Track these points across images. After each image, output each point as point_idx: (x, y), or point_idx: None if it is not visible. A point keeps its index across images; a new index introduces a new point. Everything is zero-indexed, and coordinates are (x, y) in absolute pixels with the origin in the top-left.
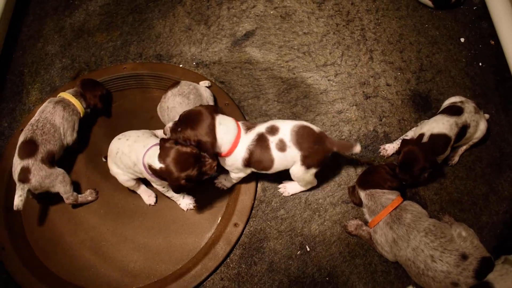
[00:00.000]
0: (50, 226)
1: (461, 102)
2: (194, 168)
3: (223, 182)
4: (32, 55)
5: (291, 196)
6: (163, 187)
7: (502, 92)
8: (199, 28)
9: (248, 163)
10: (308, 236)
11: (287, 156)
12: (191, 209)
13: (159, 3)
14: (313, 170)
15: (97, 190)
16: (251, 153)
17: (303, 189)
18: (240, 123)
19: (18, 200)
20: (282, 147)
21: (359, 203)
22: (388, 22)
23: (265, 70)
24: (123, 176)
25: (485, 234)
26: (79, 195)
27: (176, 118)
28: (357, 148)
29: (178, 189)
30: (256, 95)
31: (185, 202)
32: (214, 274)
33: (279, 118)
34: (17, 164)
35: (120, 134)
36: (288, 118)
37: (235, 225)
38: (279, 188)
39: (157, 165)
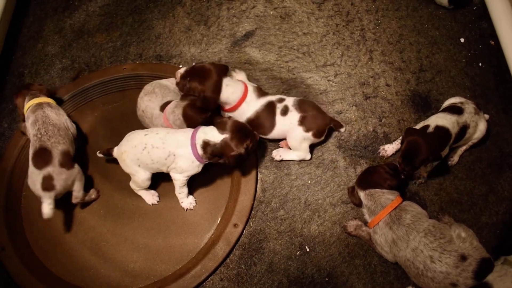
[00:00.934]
0: (50, 226)
1: (461, 102)
2: (250, 139)
3: None
4: (32, 56)
5: (291, 197)
6: (187, 179)
7: (502, 93)
8: (199, 28)
9: (250, 123)
10: (308, 236)
11: (287, 119)
12: (190, 209)
13: (158, 3)
14: (310, 137)
15: (98, 189)
16: (257, 116)
17: (295, 158)
18: (250, 87)
19: (48, 209)
20: (285, 111)
21: (358, 204)
22: (387, 23)
23: (265, 70)
24: (144, 174)
25: (485, 234)
26: (85, 193)
27: (155, 116)
28: (343, 129)
29: (237, 162)
30: None
31: (188, 201)
32: (214, 275)
33: None
34: (37, 174)
35: (143, 130)
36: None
37: (235, 225)
38: (272, 153)
39: (218, 138)
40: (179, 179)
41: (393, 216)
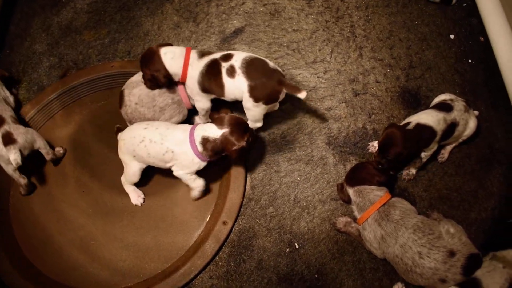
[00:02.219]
0: (39, 226)
1: (451, 100)
2: (250, 132)
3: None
4: (20, 54)
5: (280, 194)
6: (191, 174)
7: (492, 89)
8: (188, 25)
9: (202, 87)
10: (297, 233)
11: (236, 84)
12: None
13: (147, 0)
14: (261, 106)
15: (65, 148)
16: (203, 78)
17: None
18: (193, 50)
19: (15, 156)
20: (231, 73)
21: (348, 200)
22: (377, 19)
23: None
24: (135, 167)
25: (474, 230)
26: (52, 151)
27: (157, 95)
28: (303, 95)
29: (239, 154)
30: None
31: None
32: (203, 273)
33: (268, 116)
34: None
35: (143, 123)
36: (277, 116)
37: (224, 223)
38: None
39: (217, 133)
40: (183, 177)
41: (382, 212)
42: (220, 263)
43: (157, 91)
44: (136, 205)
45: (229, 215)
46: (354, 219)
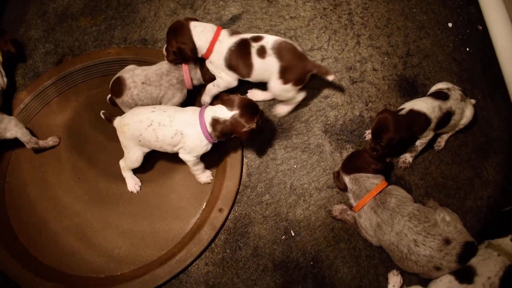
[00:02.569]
0: (34, 212)
1: (448, 88)
2: (259, 114)
3: (203, 98)
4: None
5: (276, 181)
6: (197, 158)
7: (489, 78)
8: (185, 12)
9: (229, 63)
10: (293, 221)
11: (266, 64)
12: (208, 183)
13: None
14: (290, 87)
15: (60, 137)
16: (231, 54)
17: (290, 107)
18: (228, 29)
19: None
20: (262, 53)
21: (344, 188)
22: (375, 7)
23: None
24: (138, 152)
25: (469, 218)
26: (40, 140)
27: (165, 74)
28: (331, 77)
29: (250, 137)
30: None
31: (205, 176)
32: (199, 259)
33: (265, 103)
34: None
35: (148, 107)
36: (274, 104)
37: (220, 210)
38: (274, 110)
39: (227, 115)
40: (189, 159)
41: (378, 200)
42: (216, 250)
43: (165, 69)
44: (132, 192)
45: (225, 202)
46: (350, 207)
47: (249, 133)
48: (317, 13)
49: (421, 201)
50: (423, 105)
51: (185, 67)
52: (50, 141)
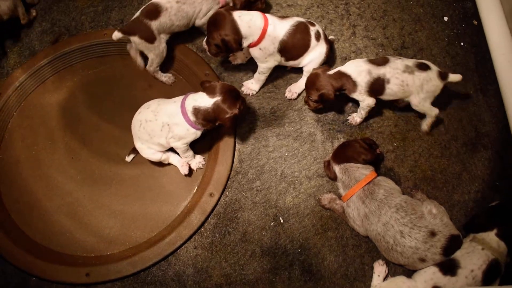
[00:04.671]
0: (27, 190)
1: (399, 58)
2: (241, 99)
3: (250, 87)
4: (11, 19)
5: (267, 168)
6: (186, 144)
7: (482, 73)
8: None
9: (284, 46)
10: (282, 208)
11: (318, 47)
12: (200, 168)
13: None
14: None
15: (37, 10)
16: (290, 36)
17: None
18: (272, 15)
19: None
20: (318, 37)
21: (334, 178)
22: None
23: None
24: (147, 150)
25: (456, 212)
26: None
27: (191, 1)
28: None
29: (232, 123)
30: (236, 67)
31: (196, 161)
32: (188, 243)
33: (258, 94)
34: None
35: (138, 110)
36: (268, 91)
37: (211, 195)
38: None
39: (208, 102)
40: (179, 146)
41: (366, 190)
42: (205, 234)
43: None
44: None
45: (216, 187)
46: (339, 196)
47: (232, 119)
48: (314, 2)
49: (409, 193)
50: (351, 67)
51: None
52: (33, 12)
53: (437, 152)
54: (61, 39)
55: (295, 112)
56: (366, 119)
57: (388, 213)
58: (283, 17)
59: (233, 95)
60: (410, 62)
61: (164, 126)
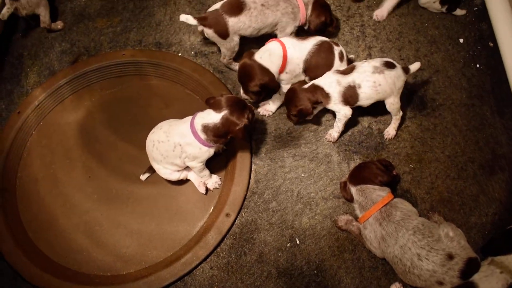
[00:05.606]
0: (44, 208)
1: (366, 61)
2: (248, 109)
3: (267, 108)
4: (32, 38)
5: (284, 189)
6: (202, 163)
7: (498, 95)
8: None
9: (308, 65)
10: (299, 229)
11: (341, 68)
12: (216, 188)
13: None
14: None
15: (64, 23)
16: (314, 54)
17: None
18: (290, 38)
19: (5, 11)
20: (341, 57)
21: (350, 199)
22: (388, 20)
23: None
24: (163, 170)
25: (473, 234)
26: (52, 23)
27: (274, 9)
28: None
29: (246, 134)
30: None
31: (212, 181)
32: (204, 263)
33: (274, 115)
34: None
35: (152, 130)
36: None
37: (227, 215)
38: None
39: (216, 118)
40: (195, 165)
41: (384, 212)
42: (221, 254)
43: None
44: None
45: (232, 207)
46: (356, 218)
47: (243, 131)
48: None
49: (426, 215)
50: (322, 80)
51: (300, 0)
52: (58, 24)
53: (454, 174)
54: (80, 59)
55: (311, 133)
56: (382, 141)
57: (405, 235)
58: (305, 37)
59: (239, 106)
60: (377, 62)
61: (176, 146)
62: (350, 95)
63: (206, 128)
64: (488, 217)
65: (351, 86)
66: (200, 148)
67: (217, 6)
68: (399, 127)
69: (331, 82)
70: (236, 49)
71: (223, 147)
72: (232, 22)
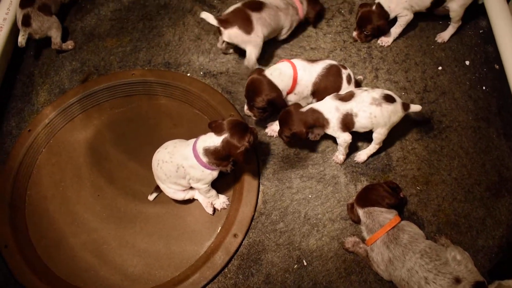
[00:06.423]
0: (53, 226)
1: (365, 90)
2: (250, 133)
3: (274, 128)
4: (43, 57)
5: (291, 210)
6: (207, 185)
7: (504, 117)
8: (208, 38)
9: (317, 87)
10: (306, 250)
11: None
12: (224, 208)
13: (169, 11)
14: None
15: (75, 42)
16: (322, 78)
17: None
18: (300, 60)
19: (21, 38)
20: (349, 80)
21: (357, 221)
22: (394, 42)
23: None
24: (168, 189)
25: (480, 258)
26: (63, 43)
27: (286, 12)
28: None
29: (246, 157)
30: None
31: (220, 201)
32: (212, 283)
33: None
34: (19, 12)
35: (158, 149)
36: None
37: (235, 235)
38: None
39: (216, 141)
40: (200, 187)
41: (391, 235)
42: (228, 275)
43: (281, 2)
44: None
45: (240, 228)
46: (363, 240)
47: (244, 154)
48: (337, 45)
49: (433, 238)
50: (321, 105)
51: (297, 0)
52: (69, 45)
53: (461, 197)
54: (90, 78)
55: (318, 154)
56: (389, 162)
57: (412, 258)
58: (314, 60)
59: (240, 128)
60: (377, 93)
61: (179, 168)
62: (347, 122)
63: (207, 151)
64: (495, 240)
65: (348, 113)
66: (202, 171)
67: (234, 6)
68: (371, 156)
69: (330, 108)
70: (260, 47)
71: (231, 167)
72: (256, 16)
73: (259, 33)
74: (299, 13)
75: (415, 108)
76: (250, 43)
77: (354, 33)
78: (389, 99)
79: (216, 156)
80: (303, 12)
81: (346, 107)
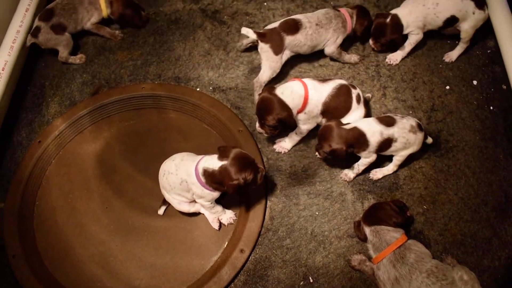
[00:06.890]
0: (60, 237)
1: (402, 116)
2: (251, 171)
3: (283, 145)
4: (54, 69)
5: (298, 227)
6: (210, 202)
7: (511, 137)
8: (218, 53)
9: (327, 107)
10: (312, 267)
11: (358, 110)
12: (231, 223)
13: (180, 26)
14: None
15: (85, 56)
16: (333, 98)
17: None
18: (311, 80)
19: (27, 41)
20: (358, 100)
21: (364, 239)
22: (402, 60)
23: None
24: (172, 200)
25: (486, 278)
26: (70, 57)
27: (328, 27)
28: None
29: (235, 190)
30: None
31: (227, 217)
32: None
33: (290, 152)
34: (36, 22)
35: (166, 160)
36: (300, 150)
37: (241, 251)
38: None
39: (216, 165)
40: (203, 204)
41: (397, 254)
42: None
43: (332, 14)
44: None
45: (247, 243)
46: (369, 258)
47: (234, 188)
48: (346, 63)
49: (439, 257)
50: (366, 125)
51: (346, 13)
52: (77, 59)
53: (467, 216)
54: (100, 91)
55: (325, 171)
56: (397, 181)
57: (419, 278)
58: (324, 79)
59: (243, 162)
60: (414, 122)
61: (183, 182)
62: (384, 145)
63: (206, 172)
64: (501, 261)
65: (389, 138)
66: (202, 190)
67: (274, 25)
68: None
69: (375, 132)
70: (278, 70)
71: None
72: (289, 40)
73: (284, 57)
74: (347, 27)
75: (429, 140)
76: (270, 64)
77: (371, 41)
78: (420, 128)
79: (211, 178)
80: (351, 26)
81: (389, 132)
